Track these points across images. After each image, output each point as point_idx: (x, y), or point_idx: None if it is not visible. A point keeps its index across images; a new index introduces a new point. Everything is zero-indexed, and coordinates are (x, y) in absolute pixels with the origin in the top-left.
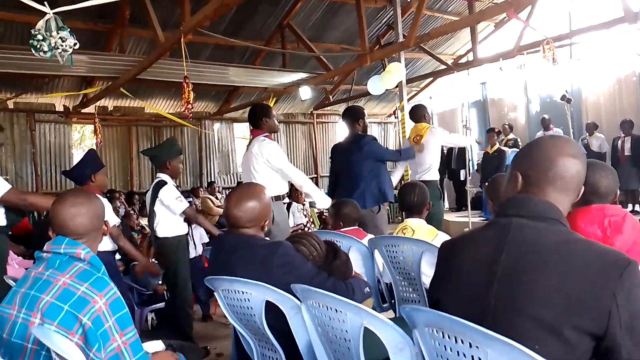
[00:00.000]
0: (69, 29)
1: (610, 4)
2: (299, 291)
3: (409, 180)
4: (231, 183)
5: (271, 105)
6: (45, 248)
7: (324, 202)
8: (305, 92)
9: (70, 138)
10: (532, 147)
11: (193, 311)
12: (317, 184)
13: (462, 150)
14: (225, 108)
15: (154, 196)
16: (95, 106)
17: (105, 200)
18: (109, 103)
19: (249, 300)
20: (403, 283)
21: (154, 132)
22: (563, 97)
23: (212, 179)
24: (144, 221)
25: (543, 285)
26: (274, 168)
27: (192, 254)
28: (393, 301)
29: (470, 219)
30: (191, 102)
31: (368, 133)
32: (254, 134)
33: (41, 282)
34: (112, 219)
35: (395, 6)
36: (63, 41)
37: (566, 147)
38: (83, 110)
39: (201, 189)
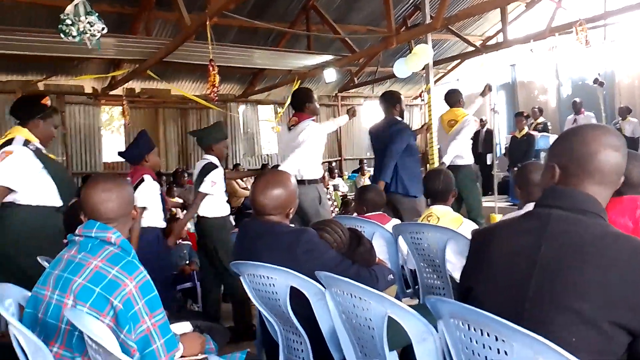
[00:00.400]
0: (97, 14)
1: None
2: (323, 278)
3: (434, 167)
4: (256, 165)
5: (295, 86)
6: (77, 232)
7: (343, 121)
8: (330, 75)
9: (99, 120)
10: (571, 138)
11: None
12: (341, 167)
13: (489, 134)
14: (250, 90)
15: (202, 177)
16: (123, 88)
17: (155, 183)
18: (137, 85)
19: (273, 286)
20: (427, 270)
21: (180, 114)
22: (596, 81)
23: (238, 161)
24: (171, 202)
25: (582, 279)
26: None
27: None
28: (417, 287)
29: (497, 203)
30: (217, 85)
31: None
32: (299, 118)
33: (74, 265)
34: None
35: None
36: (91, 26)
37: (607, 139)
38: (111, 93)
39: (227, 171)
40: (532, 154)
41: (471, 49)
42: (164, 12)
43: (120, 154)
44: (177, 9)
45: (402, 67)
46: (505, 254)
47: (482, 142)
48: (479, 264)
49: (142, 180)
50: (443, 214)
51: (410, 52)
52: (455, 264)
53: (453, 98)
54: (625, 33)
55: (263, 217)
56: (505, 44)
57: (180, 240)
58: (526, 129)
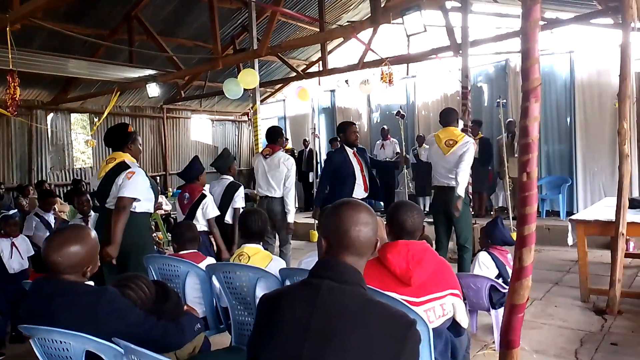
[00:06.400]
0: None
1: (442, 34)
2: (122, 346)
3: (249, 208)
4: (66, 180)
5: (115, 98)
6: None
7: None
8: (153, 90)
9: None
10: (331, 215)
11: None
12: (165, 182)
13: (311, 154)
14: (62, 97)
15: (231, 194)
16: None
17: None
18: None
19: (67, 350)
20: (239, 307)
21: None
22: (398, 113)
23: (44, 177)
24: None
25: (349, 347)
26: (286, 178)
27: (17, 268)
28: (229, 322)
29: (317, 220)
30: (17, 98)
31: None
32: (273, 149)
33: None
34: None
35: (250, 10)
36: None
37: (358, 217)
38: None
39: (30, 188)
40: None
41: (295, 73)
42: None
43: (179, 174)
44: None
45: (231, 90)
46: (285, 322)
47: (305, 161)
48: (266, 330)
49: (204, 195)
50: (254, 253)
51: (238, 70)
52: None
53: (450, 117)
54: (424, 69)
55: (57, 276)
56: (325, 73)
57: None
58: None
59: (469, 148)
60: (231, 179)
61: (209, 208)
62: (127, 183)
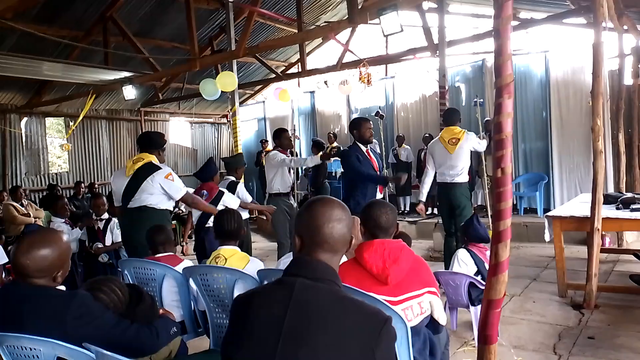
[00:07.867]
0: None
1: (419, 34)
2: (94, 352)
3: (225, 209)
4: (41, 185)
5: (91, 101)
6: None
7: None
8: (129, 92)
9: None
10: (305, 213)
11: None
12: None
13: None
14: (36, 101)
15: (232, 191)
16: None
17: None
18: None
19: (37, 357)
20: (217, 310)
21: None
22: (377, 114)
23: (18, 182)
24: None
25: (323, 345)
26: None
27: None
28: (207, 325)
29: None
30: None
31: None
32: (274, 149)
33: None
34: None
35: (228, 11)
36: None
37: (331, 213)
38: None
39: (5, 193)
40: (326, 176)
41: (274, 74)
42: None
43: (195, 174)
44: None
45: (207, 92)
46: (259, 322)
47: None
48: (240, 331)
49: (222, 192)
50: (230, 254)
51: (216, 71)
52: None
53: (453, 118)
54: (403, 70)
55: (26, 280)
56: (304, 74)
57: None
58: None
59: (471, 137)
60: (233, 178)
61: (228, 201)
62: (173, 184)
